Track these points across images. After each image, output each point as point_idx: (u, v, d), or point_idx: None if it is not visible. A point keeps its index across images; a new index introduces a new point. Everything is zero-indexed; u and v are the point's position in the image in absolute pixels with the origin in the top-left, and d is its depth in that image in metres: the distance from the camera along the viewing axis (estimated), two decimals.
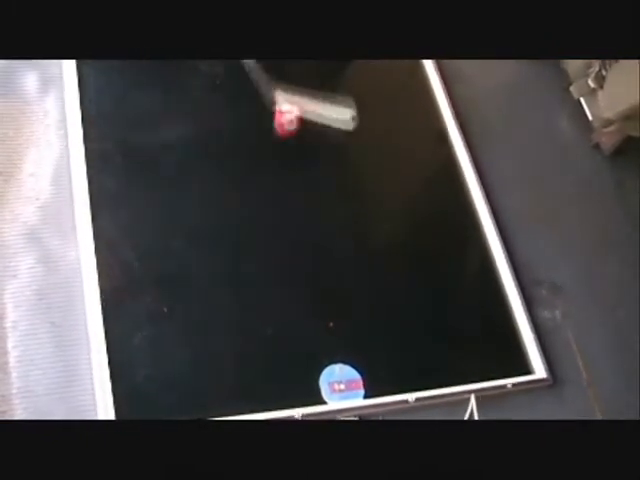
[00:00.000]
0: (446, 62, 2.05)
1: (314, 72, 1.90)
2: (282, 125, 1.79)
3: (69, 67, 1.73)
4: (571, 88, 2.06)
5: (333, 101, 1.82)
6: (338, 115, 1.81)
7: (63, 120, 1.68)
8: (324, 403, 1.53)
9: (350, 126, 1.82)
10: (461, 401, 1.61)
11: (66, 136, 1.67)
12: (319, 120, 1.81)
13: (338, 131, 1.84)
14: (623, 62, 1.90)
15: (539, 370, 1.71)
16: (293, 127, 1.79)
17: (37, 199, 1.61)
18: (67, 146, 1.65)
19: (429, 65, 2.04)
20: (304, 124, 1.81)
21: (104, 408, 1.41)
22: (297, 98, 1.81)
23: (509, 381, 1.67)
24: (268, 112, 1.81)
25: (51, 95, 1.71)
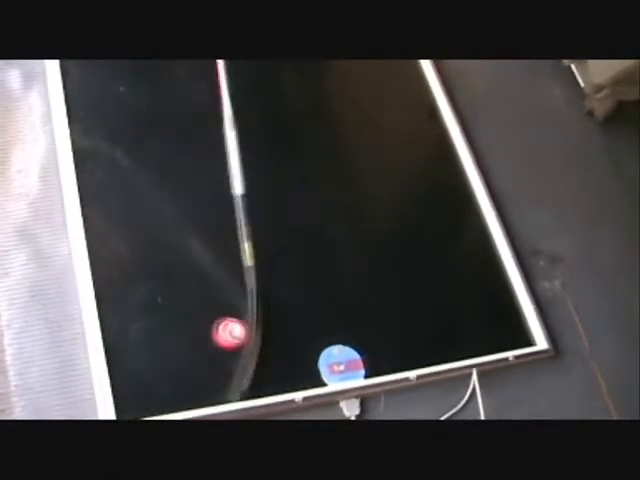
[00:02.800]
0: None
1: None
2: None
3: (52, 62, 1.71)
4: None
5: None
6: None
7: (48, 115, 1.67)
8: (324, 385, 1.52)
9: None
10: (463, 376, 1.60)
11: (52, 131, 1.65)
12: None
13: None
14: None
15: (540, 342, 1.70)
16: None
17: (27, 196, 1.60)
18: (54, 141, 1.64)
19: None
20: None
21: (103, 401, 1.40)
22: None
23: (511, 354, 1.65)
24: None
25: (35, 91, 1.70)
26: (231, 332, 1.52)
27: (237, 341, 1.51)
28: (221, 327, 1.52)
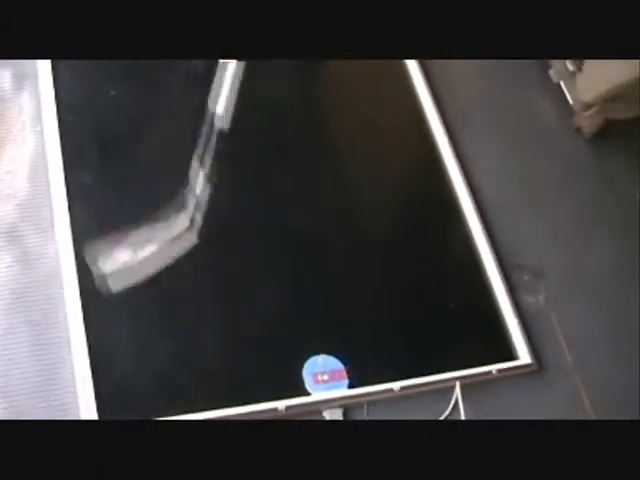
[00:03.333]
0: None
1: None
2: None
3: (43, 63, 1.72)
4: (550, 72, 2.06)
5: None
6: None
7: (38, 117, 1.67)
8: (308, 394, 1.52)
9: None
10: (446, 388, 1.61)
11: (42, 133, 1.65)
12: None
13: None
14: None
15: (524, 355, 1.70)
16: None
17: (15, 197, 1.59)
18: (43, 143, 1.64)
19: None
20: None
21: (86, 406, 1.40)
22: None
23: (494, 367, 1.66)
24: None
25: (25, 92, 1.70)
26: None
27: None
28: None
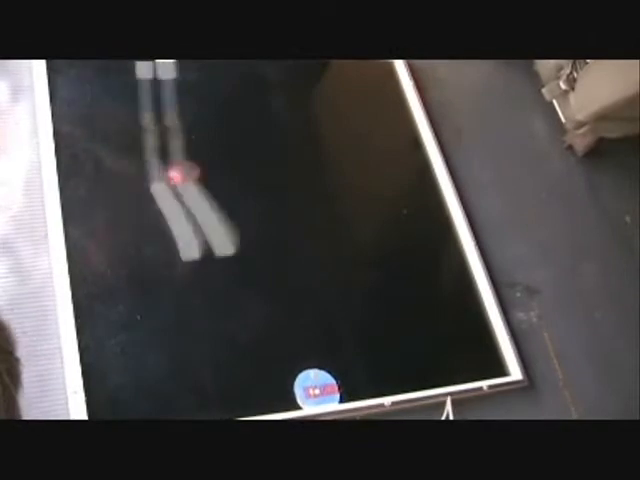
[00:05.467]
0: (419, 65, 2.06)
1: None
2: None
3: (40, 76, 1.72)
4: (543, 90, 2.07)
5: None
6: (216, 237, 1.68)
7: (35, 129, 1.68)
8: (299, 408, 1.52)
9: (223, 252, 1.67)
10: (437, 404, 1.61)
11: (38, 145, 1.66)
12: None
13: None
14: (593, 64, 1.91)
15: (515, 372, 1.71)
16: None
17: (9, 209, 1.60)
18: (39, 155, 1.64)
19: (401, 68, 2.04)
20: None
21: (77, 418, 1.40)
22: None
23: (485, 383, 1.67)
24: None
25: (22, 104, 1.71)
26: None
27: None
28: None
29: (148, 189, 1.69)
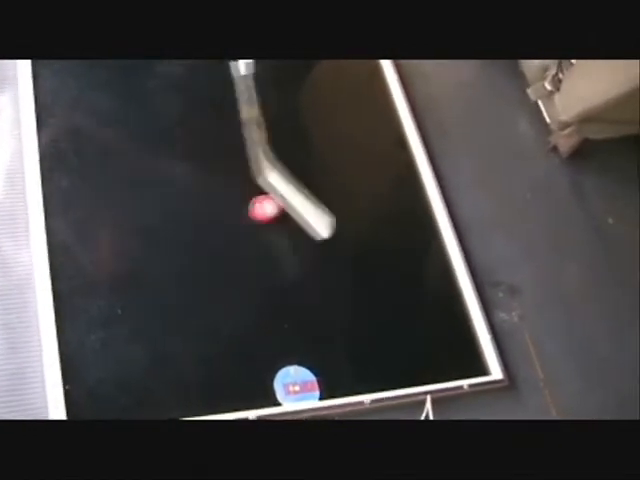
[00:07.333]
0: (404, 64, 2.06)
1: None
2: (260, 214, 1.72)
3: (24, 67, 1.72)
4: (528, 91, 2.07)
5: (314, 204, 1.71)
6: (316, 221, 1.69)
7: (17, 120, 1.67)
8: (279, 405, 1.52)
9: (323, 236, 1.68)
10: (417, 402, 1.61)
11: (20, 137, 1.65)
12: (296, 218, 1.70)
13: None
14: (579, 65, 1.91)
15: (495, 371, 1.71)
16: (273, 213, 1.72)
17: None
18: (21, 147, 1.64)
19: (387, 67, 2.04)
20: None
21: (55, 411, 1.40)
22: (280, 186, 1.71)
23: (465, 382, 1.67)
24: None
25: (5, 95, 1.70)
26: None
27: None
28: None
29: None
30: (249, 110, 1.74)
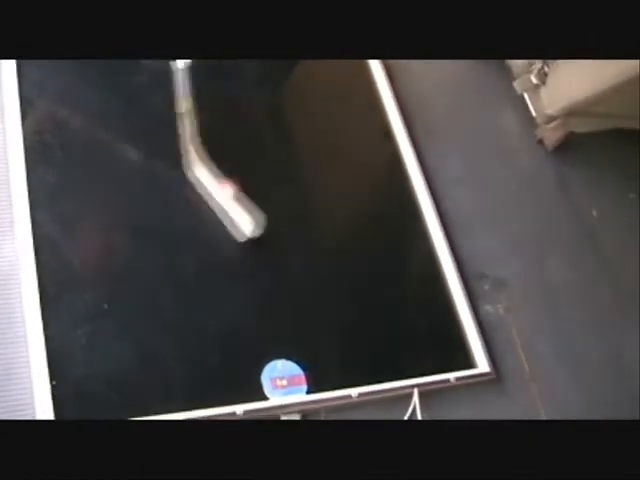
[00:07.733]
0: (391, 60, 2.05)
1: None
2: None
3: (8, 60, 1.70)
4: (514, 84, 2.07)
5: (242, 203, 1.67)
6: (240, 221, 1.66)
7: (1, 113, 1.65)
8: (266, 399, 1.52)
9: (243, 238, 1.65)
10: (404, 395, 1.62)
11: (4, 130, 1.63)
12: (220, 216, 1.67)
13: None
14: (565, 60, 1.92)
15: (482, 364, 1.72)
16: None
17: None
18: (5, 140, 1.62)
19: (374, 62, 2.04)
20: None
21: (42, 407, 1.39)
22: (207, 182, 1.68)
23: (452, 375, 1.68)
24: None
25: None
26: None
27: None
28: None
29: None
30: (184, 103, 1.73)
